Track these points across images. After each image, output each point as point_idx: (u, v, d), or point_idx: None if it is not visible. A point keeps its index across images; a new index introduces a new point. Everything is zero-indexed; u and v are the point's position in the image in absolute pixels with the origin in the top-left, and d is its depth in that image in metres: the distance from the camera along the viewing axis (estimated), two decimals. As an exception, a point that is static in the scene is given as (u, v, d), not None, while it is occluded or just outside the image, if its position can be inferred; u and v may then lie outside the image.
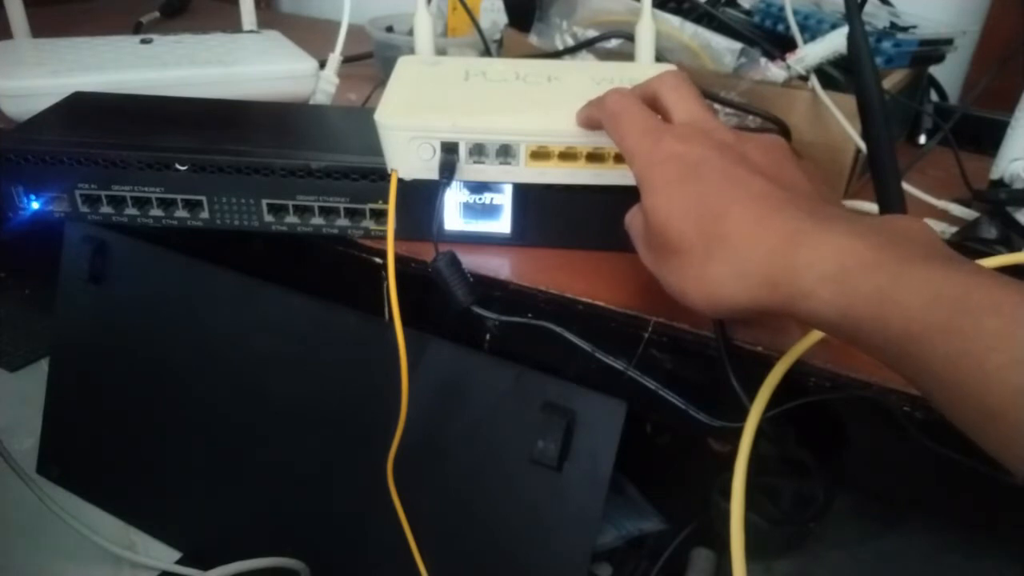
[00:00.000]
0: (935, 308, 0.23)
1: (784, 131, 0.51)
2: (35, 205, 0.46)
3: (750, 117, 0.51)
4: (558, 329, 0.40)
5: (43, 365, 0.71)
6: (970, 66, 0.76)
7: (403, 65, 0.47)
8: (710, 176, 0.30)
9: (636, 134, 0.33)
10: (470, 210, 0.44)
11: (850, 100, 0.47)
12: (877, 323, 0.24)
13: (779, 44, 0.54)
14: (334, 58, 0.62)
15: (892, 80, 0.54)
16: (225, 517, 0.55)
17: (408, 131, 0.39)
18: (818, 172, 0.33)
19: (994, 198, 0.49)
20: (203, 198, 0.45)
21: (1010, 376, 0.21)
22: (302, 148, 0.44)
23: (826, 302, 0.25)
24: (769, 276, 0.27)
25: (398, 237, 0.41)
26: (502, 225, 0.45)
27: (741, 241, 0.28)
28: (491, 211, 0.44)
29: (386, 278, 0.43)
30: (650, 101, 0.35)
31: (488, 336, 0.45)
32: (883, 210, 0.42)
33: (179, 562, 0.54)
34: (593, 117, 0.37)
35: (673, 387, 0.40)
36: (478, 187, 0.43)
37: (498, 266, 0.43)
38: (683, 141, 0.31)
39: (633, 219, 0.35)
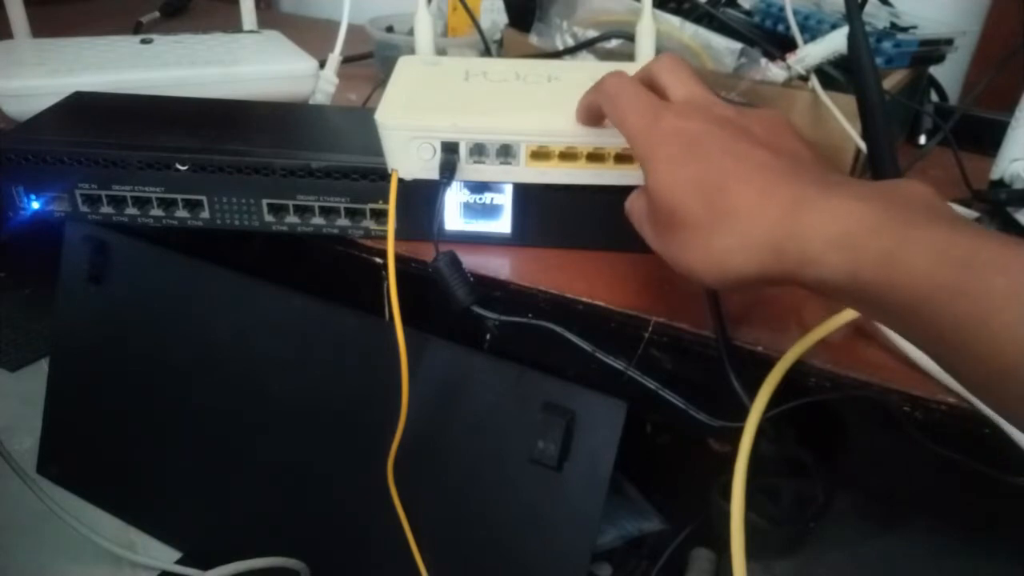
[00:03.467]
0: (942, 269, 0.23)
1: (784, 131, 0.51)
2: (35, 205, 0.46)
3: (750, 117, 0.51)
4: (558, 329, 0.40)
5: (43, 365, 0.71)
6: (970, 66, 0.76)
7: (403, 65, 0.47)
8: (712, 150, 0.30)
9: (636, 113, 0.33)
10: (470, 210, 0.44)
11: (850, 100, 0.47)
12: (884, 286, 0.24)
13: (779, 44, 0.54)
14: (334, 58, 0.62)
15: (892, 80, 0.54)
16: (225, 517, 0.55)
17: (408, 131, 0.39)
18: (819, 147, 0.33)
19: (994, 198, 0.49)
20: (203, 198, 0.45)
21: (1018, 333, 0.21)
22: (302, 148, 0.44)
23: (833, 267, 0.25)
24: (775, 244, 0.27)
25: (398, 237, 0.41)
26: (502, 225, 0.45)
27: (746, 212, 0.28)
28: (491, 211, 0.44)
29: (386, 278, 0.43)
30: (648, 84, 0.35)
31: (488, 336, 0.45)
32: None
33: (179, 562, 0.54)
34: (593, 103, 0.37)
35: (673, 387, 0.40)
36: (478, 187, 0.43)
37: (498, 266, 0.43)
38: (683, 117, 0.31)
39: (635, 202, 0.35)
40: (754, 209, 0.28)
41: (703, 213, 0.29)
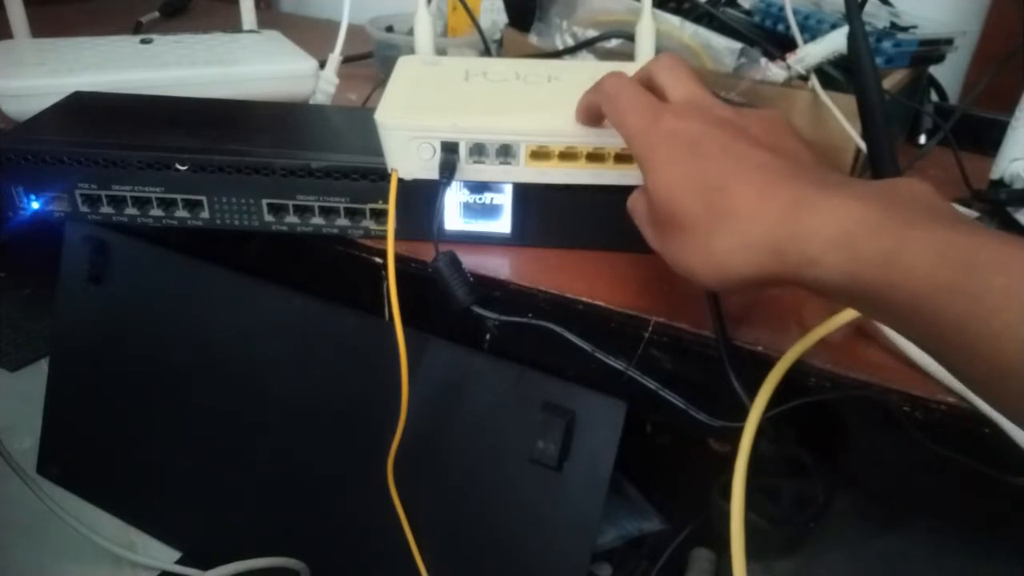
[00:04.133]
0: (941, 269, 0.23)
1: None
2: (35, 205, 0.46)
3: (750, 117, 0.51)
4: (558, 329, 0.40)
5: (43, 365, 0.71)
6: (970, 66, 0.76)
7: (403, 65, 0.47)
8: (710, 151, 0.30)
9: (634, 114, 0.33)
10: (470, 210, 0.44)
11: (850, 100, 0.47)
12: (884, 286, 0.24)
13: (779, 44, 0.54)
14: (334, 58, 0.62)
15: (892, 80, 0.54)
16: (225, 517, 0.55)
17: (408, 131, 0.39)
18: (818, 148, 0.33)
19: (994, 198, 0.49)
20: (203, 198, 0.45)
21: (1020, 333, 0.21)
22: (302, 148, 0.44)
23: (832, 268, 0.25)
24: (775, 245, 0.27)
25: (398, 237, 0.41)
26: (502, 225, 0.45)
27: (745, 212, 0.28)
28: (491, 211, 0.44)
29: (386, 278, 0.43)
30: (647, 84, 0.35)
31: (488, 336, 0.45)
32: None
33: (179, 562, 0.54)
34: (592, 103, 0.37)
35: (673, 387, 0.40)
36: (478, 187, 0.43)
37: (498, 266, 0.43)
38: (681, 118, 0.31)
39: (636, 202, 0.35)
40: (754, 209, 0.28)
41: (702, 214, 0.29)
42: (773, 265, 0.27)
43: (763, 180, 0.28)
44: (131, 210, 0.46)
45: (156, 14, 1.00)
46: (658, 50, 0.53)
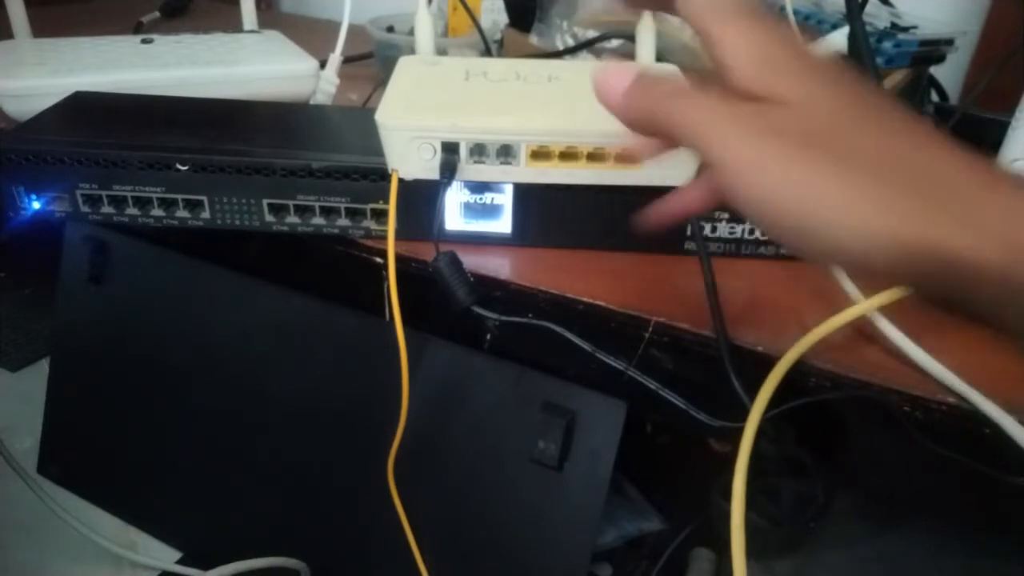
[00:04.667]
0: None
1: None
2: (36, 205, 0.46)
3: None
4: (558, 329, 0.40)
5: (43, 365, 0.71)
6: (970, 66, 0.76)
7: (403, 65, 0.47)
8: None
9: None
10: (471, 210, 0.45)
11: (850, 100, 0.47)
12: None
13: (779, 44, 0.54)
14: (334, 58, 0.62)
15: (892, 80, 0.54)
16: (225, 517, 0.55)
17: (409, 131, 0.39)
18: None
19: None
20: (204, 198, 0.45)
21: None
22: (303, 148, 0.44)
23: None
24: (970, 220, 0.22)
25: (399, 237, 0.41)
26: (502, 225, 0.45)
27: (945, 169, 0.23)
28: (492, 211, 0.44)
29: (386, 278, 0.43)
30: None
31: (488, 336, 0.45)
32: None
33: (179, 562, 0.54)
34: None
35: (673, 387, 0.40)
36: (479, 187, 0.43)
37: (498, 266, 0.43)
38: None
39: (721, 102, 0.25)
40: (956, 172, 0.22)
41: (890, 154, 0.23)
42: (951, 242, 0.22)
43: (953, 146, 0.23)
44: (132, 210, 0.46)
45: (157, 14, 0.99)
46: (659, 51, 0.53)
